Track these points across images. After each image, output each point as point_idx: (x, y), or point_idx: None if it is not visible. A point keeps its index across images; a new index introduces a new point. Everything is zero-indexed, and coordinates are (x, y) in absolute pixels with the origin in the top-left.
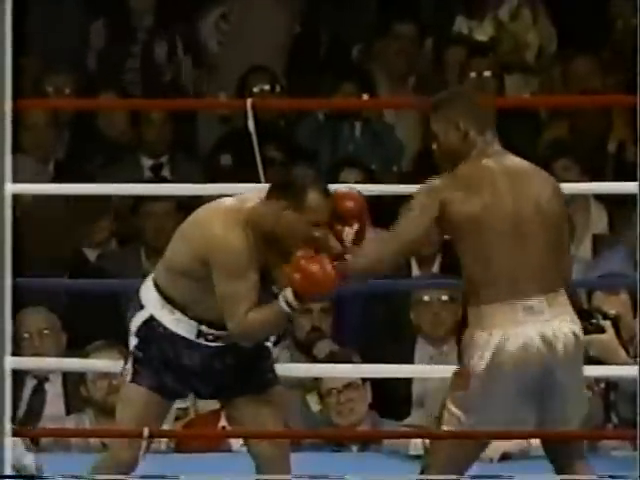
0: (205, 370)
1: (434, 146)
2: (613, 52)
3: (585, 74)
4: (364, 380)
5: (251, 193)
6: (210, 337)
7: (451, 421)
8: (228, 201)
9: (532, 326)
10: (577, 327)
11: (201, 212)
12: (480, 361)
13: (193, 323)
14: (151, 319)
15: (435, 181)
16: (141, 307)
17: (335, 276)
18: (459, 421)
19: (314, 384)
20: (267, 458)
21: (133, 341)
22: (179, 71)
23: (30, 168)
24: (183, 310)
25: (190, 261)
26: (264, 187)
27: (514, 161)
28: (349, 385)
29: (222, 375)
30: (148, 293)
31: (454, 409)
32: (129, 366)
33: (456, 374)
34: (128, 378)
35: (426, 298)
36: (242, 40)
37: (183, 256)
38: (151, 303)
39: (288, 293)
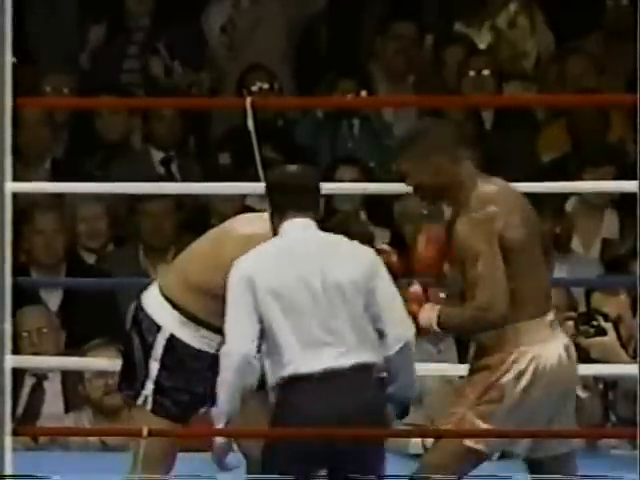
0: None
1: (411, 186)
2: (610, 51)
3: (580, 74)
4: None
5: None
6: None
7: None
8: (261, 226)
9: (559, 341)
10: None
11: (233, 235)
12: (519, 378)
13: (219, 337)
14: (172, 339)
15: (478, 215)
16: (157, 327)
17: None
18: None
19: None
20: (259, 458)
21: (154, 365)
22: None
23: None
24: (207, 325)
25: (221, 285)
26: None
27: (505, 182)
28: None
29: None
30: (161, 310)
31: (479, 422)
32: (149, 393)
33: (486, 388)
34: (148, 407)
35: None
36: (242, 39)
37: (212, 277)
38: (169, 322)
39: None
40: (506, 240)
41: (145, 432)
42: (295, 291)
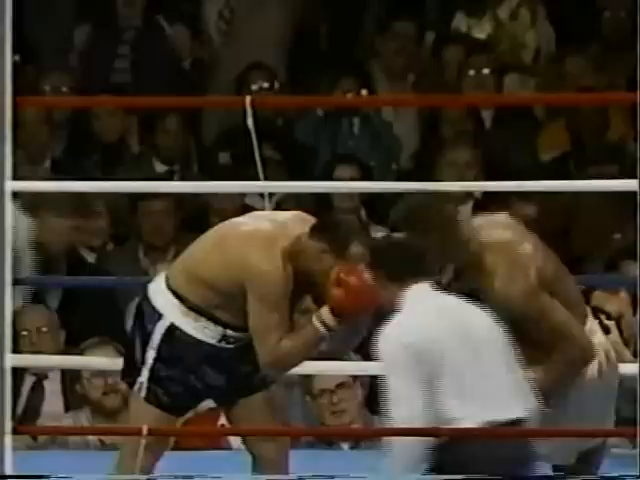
0: (224, 374)
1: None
2: (609, 50)
3: (579, 72)
4: (354, 378)
5: (284, 216)
6: (232, 340)
7: None
8: (265, 223)
9: (600, 347)
10: None
11: (237, 230)
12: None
13: (219, 329)
14: (173, 328)
15: (512, 271)
16: (158, 315)
17: (374, 290)
18: None
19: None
20: (267, 458)
21: (151, 354)
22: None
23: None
24: (208, 315)
25: (223, 279)
26: (298, 216)
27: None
28: (341, 385)
29: (237, 377)
30: (164, 300)
31: None
32: (144, 380)
33: None
34: (142, 394)
35: None
36: (241, 37)
37: (215, 271)
38: (170, 310)
39: (324, 311)
40: (544, 277)
41: (144, 430)
42: (456, 346)
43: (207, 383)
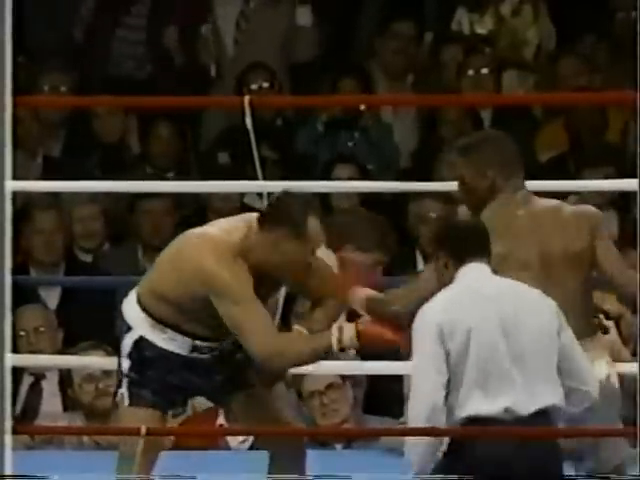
0: (203, 380)
1: (460, 187)
2: (611, 49)
3: (578, 71)
4: (344, 379)
5: (228, 223)
6: (205, 349)
7: None
8: (213, 232)
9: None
10: None
11: (188, 244)
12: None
13: (187, 340)
14: (141, 340)
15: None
16: (128, 328)
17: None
18: None
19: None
20: (284, 456)
21: (125, 363)
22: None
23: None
24: (176, 328)
25: (182, 293)
26: (241, 217)
27: (539, 205)
28: (330, 386)
29: (220, 380)
30: (134, 313)
31: None
32: (124, 390)
33: None
34: (126, 402)
35: None
36: (243, 38)
37: (173, 287)
38: (139, 324)
39: (349, 330)
40: None
41: (143, 431)
42: (492, 330)
43: (189, 384)
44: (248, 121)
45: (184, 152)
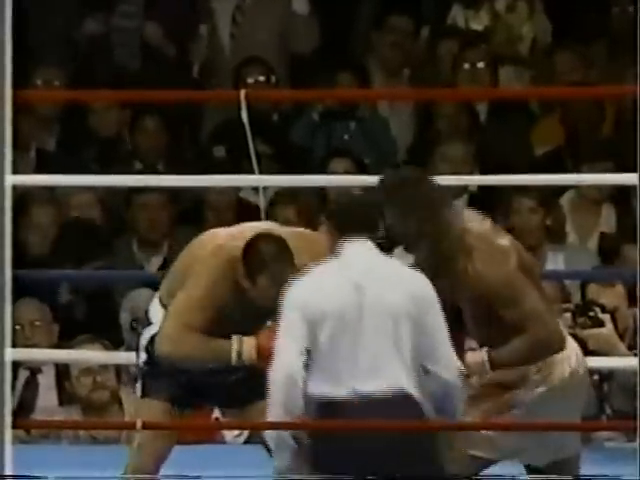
0: (216, 378)
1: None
2: (609, 45)
3: (574, 66)
4: None
5: (238, 229)
6: None
7: None
8: (222, 237)
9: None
10: None
11: (195, 244)
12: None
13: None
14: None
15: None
16: (148, 322)
17: None
18: None
19: None
20: None
21: (142, 356)
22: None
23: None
24: None
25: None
26: (249, 225)
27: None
28: None
29: (233, 383)
30: (155, 310)
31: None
32: (138, 383)
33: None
34: (139, 394)
35: None
36: (240, 32)
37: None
38: (158, 319)
39: (249, 344)
40: (523, 265)
41: (139, 424)
42: (346, 313)
43: (202, 380)
44: (244, 115)
45: (176, 145)
